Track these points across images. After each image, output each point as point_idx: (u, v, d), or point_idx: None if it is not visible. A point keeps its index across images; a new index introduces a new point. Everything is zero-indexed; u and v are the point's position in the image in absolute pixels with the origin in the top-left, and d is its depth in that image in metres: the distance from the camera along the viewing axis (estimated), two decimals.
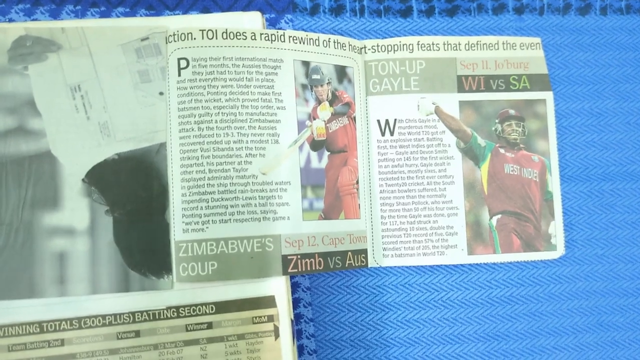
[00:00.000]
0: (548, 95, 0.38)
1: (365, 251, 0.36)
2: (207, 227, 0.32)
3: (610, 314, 0.39)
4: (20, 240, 0.32)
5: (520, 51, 0.38)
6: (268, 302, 0.33)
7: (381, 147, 0.37)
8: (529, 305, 0.38)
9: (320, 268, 0.34)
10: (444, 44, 0.38)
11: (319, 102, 0.35)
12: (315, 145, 0.35)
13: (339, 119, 0.36)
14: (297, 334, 0.35)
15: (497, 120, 0.38)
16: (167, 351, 0.32)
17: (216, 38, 0.33)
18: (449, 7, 0.39)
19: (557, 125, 0.39)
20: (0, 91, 0.33)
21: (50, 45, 0.33)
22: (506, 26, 0.39)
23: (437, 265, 0.37)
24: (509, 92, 0.38)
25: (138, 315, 0.32)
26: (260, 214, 0.33)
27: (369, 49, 0.37)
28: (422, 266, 0.37)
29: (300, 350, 0.36)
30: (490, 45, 0.38)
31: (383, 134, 0.37)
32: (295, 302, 0.36)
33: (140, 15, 0.36)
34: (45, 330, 0.32)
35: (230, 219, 0.33)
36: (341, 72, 0.36)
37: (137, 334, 0.32)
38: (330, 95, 0.35)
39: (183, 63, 0.33)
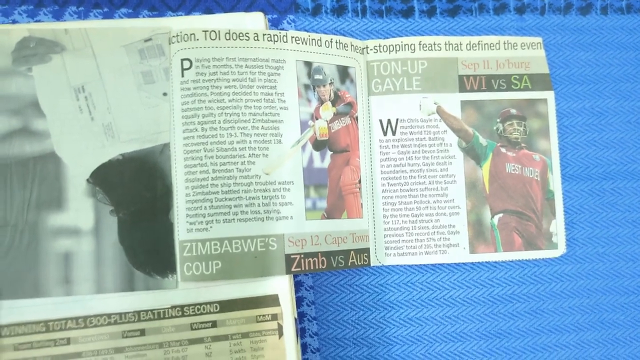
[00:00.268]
0: (549, 95, 0.38)
1: (367, 250, 0.36)
2: (211, 227, 0.33)
3: (611, 311, 0.39)
4: (26, 240, 0.32)
5: (522, 51, 0.39)
6: (272, 301, 0.34)
7: (383, 147, 0.37)
8: (530, 303, 0.38)
9: (324, 267, 0.34)
10: (446, 44, 0.38)
11: (321, 102, 0.35)
12: (318, 145, 0.35)
13: (341, 118, 0.36)
14: (301, 333, 0.36)
15: (498, 120, 0.38)
16: (172, 350, 0.33)
17: (219, 39, 0.34)
18: (450, 7, 0.39)
19: (558, 124, 0.39)
20: (4, 92, 0.33)
21: (54, 46, 0.33)
22: (507, 26, 0.39)
23: (439, 264, 0.38)
24: (510, 91, 0.38)
25: (143, 314, 0.33)
26: (263, 214, 0.33)
27: (371, 49, 0.37)
28: (424, 265, 0.38)
29: (304, 348, 0.36)
30: (492, 45, 0.38)
31: (385, 133, 0.37)
32: (299, 301, 0.36)
33: (143, 16, 0.36)
34: (51, 329, 0.32)
35: (234, 219, 0.33)
36: (343, 72, 0.36)
37: (142, 332, 0.32)
38: (332, 95, 0.36)
39: (186, 64, 0.33)
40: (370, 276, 0.37)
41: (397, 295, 0.37)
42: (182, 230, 0.33)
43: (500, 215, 0.37)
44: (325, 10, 0.38)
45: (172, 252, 0.33)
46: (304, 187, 0.34)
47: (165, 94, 0.34)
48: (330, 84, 0.35)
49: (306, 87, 0.35)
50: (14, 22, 0.35)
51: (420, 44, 0.38)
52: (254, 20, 0.35)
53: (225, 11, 0.37)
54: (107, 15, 0.36)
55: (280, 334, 0.33)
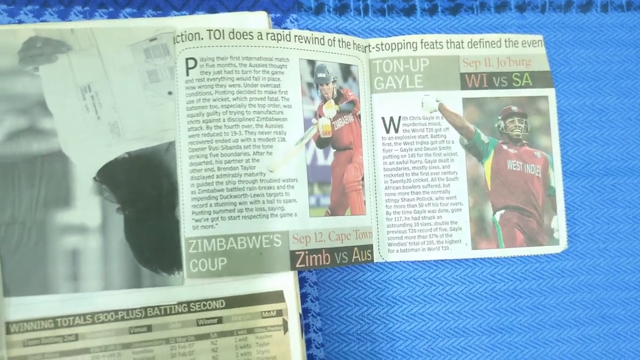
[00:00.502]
0: (550, 92, 0.39)
1: (371, 246, 0.36)
2: (216, 224, 0.33)
3: (613, 306, 0.39)
4: (34, 238, 0.32)
5: (523, 49, 0.39)
6: (277, 297, 0.34)
7: (386, 144, 0.37)
8: (532, 298, 0.39)
9: (327, 263, 0.34)
10: (447, 42, 0.38)
11: (324, 100, 0.36)
12: (321, 142, 0.35)
13: (344, 116, 0.36)
14: (305, 328, 0.36)
15: (500, 117, 0.38)
16: (178, 345, 0.33)
17: (223, 38, 0.34)
18: (451, 5, 0.39)
19: (559, 121, 0.39)
20: (11, 92, 0.33)
21: (60, 46, 0.34)
22: (508, 24, 0.40)
23: (441, 260, 0.38)
24: (511, 89, 0.38)
25: (150, 310, 0.33)
26: (268, 211, 0.34)
27: (373, 48, 0.37)
28: (426, 261, 0.38)
29: (308, 344, 0.36)
30: (493, 43, 0.39)
31: (388, 131, 0.37)
32: (303, 297, 0.36)
33: (148, 16, 0.36)
34: (59, 325, 0.32)
35: (239, 216, 0.33)
36: (346, 71, 0.36)
37: (149, 328, 0.33)
38: (335, 93, 0.36)
39: (191, 63, 0.34)
40: (374, 272, 0.38)
41: (400, 291, 0.38)
42: (188, 228, 0.33)
43: (502, 211, 0.38)
44: (327, 9, 0.38)
45: (178, 249, 0.33)
46: (308, 184, 0.35)
47: (170, 93, 0.34)
48: (333, 82, 0.36)
49: (309, 85, 0.35)
50: (20, 22, 0.35)
51: (422, 42, 0.38)
52: (258, 20, 0.35)
53: (229, 10, 0.37)
54: (112, 15, 0.36)
55: (285, 330, 0.34)
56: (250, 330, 0.34)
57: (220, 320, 0.33)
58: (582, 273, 0.39)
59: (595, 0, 0.41)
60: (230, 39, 0.34)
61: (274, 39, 0.35)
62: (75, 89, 0.34)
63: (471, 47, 0.38)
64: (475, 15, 0.39)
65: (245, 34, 0.34)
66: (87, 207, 0.33)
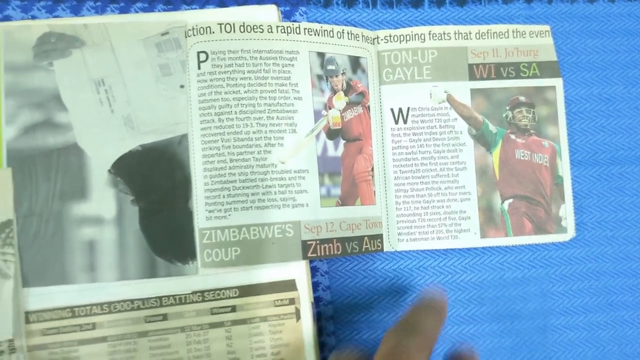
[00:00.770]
0: (557, 82, 0.39)
1: (381, 236, 0.37)
2: (229, 215, 0.34)
3: (620, 293, 0.40)
4: (51, 229, 0.33)
5: (530, 39, 0.39)
6: (289, 285, 0.35)
7: (395, 135, 0.37)
8: (540, 286, 0.39)
9: (338, 253, 0.35)
10: (455, 33, 0.38)
11: (334, 92, 0.36)
12: (331, 134, 0.36)
13: (354, 108, 0.36)
14: (317, 316, 0.36)
15: (507, 107, 0.38)
16: (193, 333, 0.34)
17: (234, 31, 0.34)
18: None
19: (567, 110, 0.39)
20: (27, 86, 0.34)
21: (74, 41, 0.34)
22: (516, 14, 0.40)
23: (450, 249, 0.38)
24: (519, 79, 0.39)
25: (165, 299, 0.34)
26: (280, 202, 0.34)
27: (382, 39, 0.38)
28: (436, 250, 0.38)
29: (320, 331, 0.37)
30: (501, 33, 0.39)
31: (397, 122, 0.37)
32: (315, 286, 0.37)
33: (159, 10, 0.37)
34: (77, 314, 0.33)
35: (251, 207, 0.34)
36: (355, 63, 0.37)
37: (165, 317, 0.34)
38: (345, 85, 0.36)
39: (202, 56, 0.34)
40: (384, 261, 0.38)
41: (410, 279, 0.38)
42: (202, 218, 0.34)
43: (510, 200, 0.38)
44: (336, 2, 0.39)
45: (192, 239, 0.34)
46: (319, 175, 0.35)
47: (182, 86, 0.34)
48: (342, 74, 0.36)
49: (319, 77, 0.36)
50: (33, 17, 0.36)
51: (430, 34, 0.38)
52: (267, 13, 0.35)
53: (239, 4, 0.38)
54: (124, 10, 0.37)
55: (298, 318, 0.34)
56: (263, 319, 0.34)
57: (234, 308, 0.34)
58: (589, 261, 0.39)
59: None
60: (241, 32, 0.34)
61: (284, 32, 0.35)
62: (89, 83, 0.34)
63: (479, 38, 0.38)
64: (483, 6, 0.40)
65: (255, 27, 0.35)
66: (103, 199, 0.34)
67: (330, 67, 0.36)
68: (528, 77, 0.39)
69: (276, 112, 0.34)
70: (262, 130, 0.34)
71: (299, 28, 0.35)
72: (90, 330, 0.33)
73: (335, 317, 0.37)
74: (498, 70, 0.38)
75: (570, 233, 0.38)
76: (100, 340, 0.33)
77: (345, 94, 0.36)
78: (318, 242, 0.34)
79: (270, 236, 0.34)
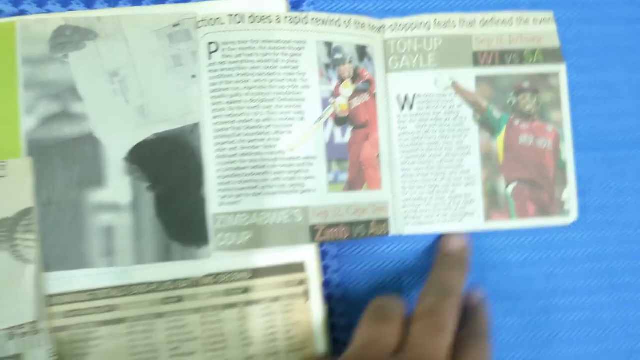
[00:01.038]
0: (561, 68, 0.39)
1: (387, 220, 0.37)
2: (240, 200, 0.35)
3: (623, 276, 0.40)
4: (70, 216, 0.34)
5: (534, 26, 0.39)
6: (299, 267, 0.36)
7: (401, 122, 0.38)
8: (543, 268, 0.40)
9: (346, 236, 0.36)
10: (460, 21, 0.39)
11: (341, 80, 0.37)
12: (339, 121, 0.36)
13: (361, 95, 0.37)
14: (327, 298, 0.37)
15: (511, 93, 0.39)
16: (207, 314, 0.35)
17: (243, 22, 0.35)
18: None
19: (570, 96, 0.39)
20: (44, 79, 0.35)
21: (88, 34, 0.35)
22: (520, 1, 0.40)
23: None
24: (523, 65, 0.39)
25: (180, 282, 0.35)
26: (289, 187, 0.35)
27: (388, 28, 0.38)
28: (441, 233, 0.39)
29: (331, 313, 0.37)
30: (505, 21, 0.39)
31: (402, 108, 0.38)
32: (324, 270, 0.38)
33: (170, 2, 0.37)
34: (96, 297, 0.34)
35: (261, 192, 0.35)
36: (362, 51, 0.37)
37: (180, 299, 0.35)
38: (352, 73, 0.37)
39: (213, 47, 0.35)
40: (391, 245, 0.39)
41: (416, 262, 0.39)
42: (214, 204, 0.35)
43: (515, 184, 0.39)
44: None
45: (205, 224, 0.35)
46: (327, 161, 0.36)
47: (194, 77, 0.35)
48: (349, 62, 0.37)
49: (327, 66, 0.36)
50: (48, 11, 0.37)
51: (435, 22, 0.39)
52: (276, 3, 0.36)
53: None
54: (136, 2, 0.37)
55: (307, 298, 0.36)
56: (274, 299, 0.35)
57: (246, 290, 0.35)
58: (592, 244, 0.40)
59: None
60: (250, 23, 0.35)
61: (292, 22, 0.36)
62: (104, 75, 0.35)
63: (483, 26, 0.39)
64: None
65: (264, 17, 0.35)
66: (119, 186, 0.35)
67: (337, 56, 0.36)
68: (532, 64, 0.39)
69: (285, 100, 0.35)
70: (272, 119, 0.35)
71: (307, 18, 0.36)
72: (109, 312, 0.34)
73: (345, 299, 0.38)
74: (502, 57, 0.39)
75: (573, 216, 0.39)
76: (119, 321, 0.34)
77: (352, 82, 0.37)
78: (326, 226, 0.35)
79: (280, 221, 0.35)
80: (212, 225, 0.35)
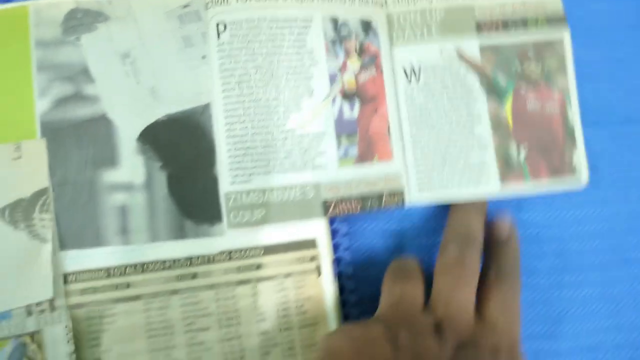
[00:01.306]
0: (565, 34, 0.39)
1: (400, 191, 0.37)
2: (252, 179, 0.35)
3: (634, 250, 0.40)
4: (85, 196, 0.35)
5: None
6: (310, 244, 0.36)
7: (408, 94, 0.38)
8: (554, 245, 0.39)
9: (359, 209, 0.36)
10: None
11: (347, 55, 0.37)
12: (347, 96, 0.37)
13: (367, 70, 0.37)
14: (338, 275, 0.38)
15: (516, 61, 0.39)
16: (221, 290, 0.35)
17: (250, 1, 0.36)
18: None
19: (578, 72, 0.39)
20: (57, 61, 0.35)
21: (98, 16, 0.36)
22: None
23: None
24: (526, 33, 0.39)
25: (194, 259, 0.35)
26: (300, 164, 0.35)
27: (391, 2, 0.39)
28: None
29: (342, 289, 0.38)
30: None
31: (409, 80, 0.38)
32: (335, 247, 0.38)
33: None
34: (112, 275, 0.34)
35: (272, 170, 0.35)
36: (366, 26, 0.38)
37: (194, 276, 0.35)
38: (358, 48, 0.37)
39: (221, 27, 0.36)
40: (403, 220, 0.39)
41: (427, 239, 0.39)
42: (226, 183, 0.35)
43: (526, 149, 0.38)
44: None
45: (218, 202, 0.35)
46: (336, 137, 0.36)
47: (204, 57, 0.36)
48: (355, 37, 0.37)
49: (333, 42, 0.37)
50: None
51: None
52: None
53: None
54: None
55: (319, 274, 0.36)
56: (287, 275, 0.36)
57: (259, 266, 0.35)
58: (603, 220, 0.40)
59: None
60: (257, 1, 0.36)
61: (298, 0, 0.36)
62: (115, 56, 0.36)
63: None
64: None
65: None
66: (132, 166, 0.35)
67: (343, 31, 0.37)
68: (536, 31, 0.39)
69: (293, 77, 0.36)
70: (280, 97, 0.35)
71: None
72: (125, 289, 0.35)
73: (356, 276, 0.38)
74: (506, 26, 0.39)
75: (584, 178, 0.39)
76: (135, 298, 0.34)
77: (359, 57, 0.37)
78: (338, 200, 0.36)
79: (292, 198, 0.35)
80: (224, 204, 0.35)
